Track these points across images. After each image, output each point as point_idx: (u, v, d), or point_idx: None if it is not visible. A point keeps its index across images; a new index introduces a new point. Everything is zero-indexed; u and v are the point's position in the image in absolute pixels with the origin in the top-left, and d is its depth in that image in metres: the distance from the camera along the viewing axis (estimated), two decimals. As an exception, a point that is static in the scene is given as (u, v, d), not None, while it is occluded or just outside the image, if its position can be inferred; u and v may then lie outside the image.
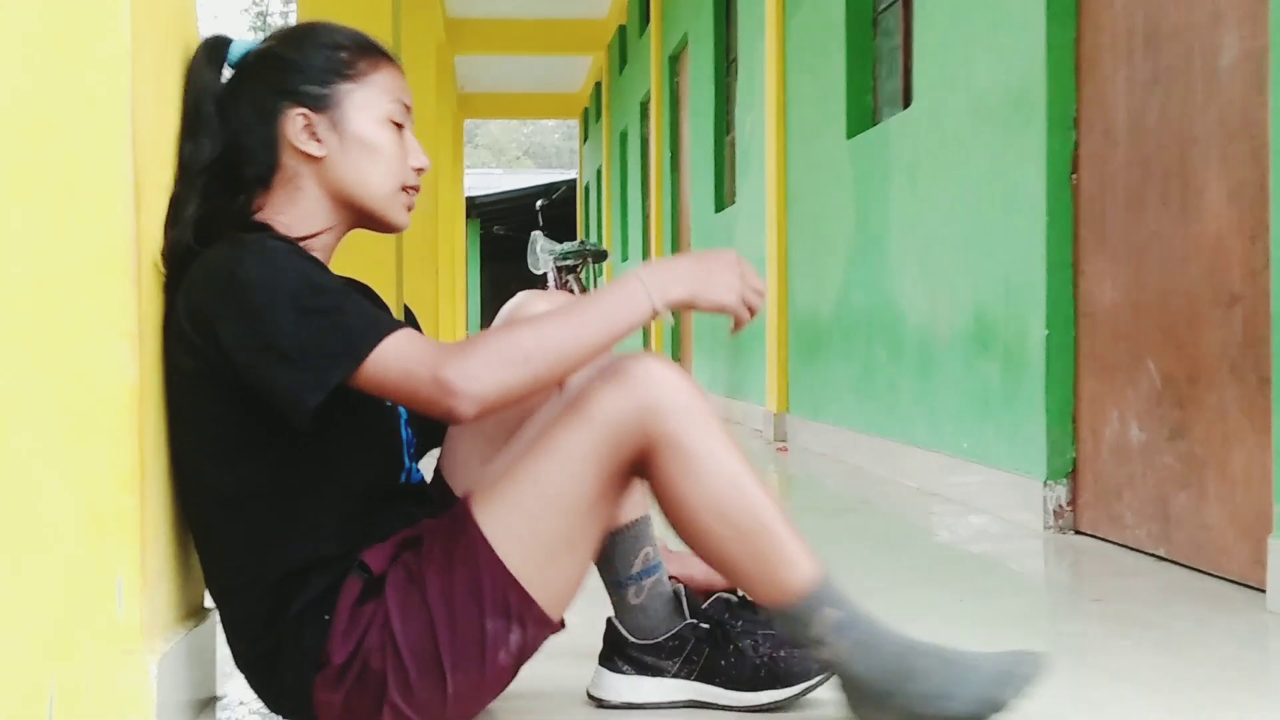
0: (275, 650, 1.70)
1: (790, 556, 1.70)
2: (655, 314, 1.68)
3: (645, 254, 13.42)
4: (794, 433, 6.68)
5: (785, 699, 1.88)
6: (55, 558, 1.58)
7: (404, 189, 1.83)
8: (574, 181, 24.10)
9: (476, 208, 24.65)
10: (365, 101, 1.80)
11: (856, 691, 1.71)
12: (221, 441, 1.70)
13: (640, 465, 1.71)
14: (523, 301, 1.89)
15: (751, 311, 1.73)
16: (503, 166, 43.00)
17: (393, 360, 1.61)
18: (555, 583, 1.71)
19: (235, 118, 1.79)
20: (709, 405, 1.71)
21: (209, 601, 1.85)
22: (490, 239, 27.43)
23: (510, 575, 1.68)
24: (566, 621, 1.81)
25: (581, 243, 12.16)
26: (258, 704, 1.88)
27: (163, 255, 1.74)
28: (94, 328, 1.60)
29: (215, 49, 1.84)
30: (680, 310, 1.71)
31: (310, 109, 1.78)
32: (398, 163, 1.81)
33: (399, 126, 1.83)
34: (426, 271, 10.03)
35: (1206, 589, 2.80)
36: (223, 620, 1.78)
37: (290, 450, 1.69)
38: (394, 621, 1.67)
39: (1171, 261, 3.09)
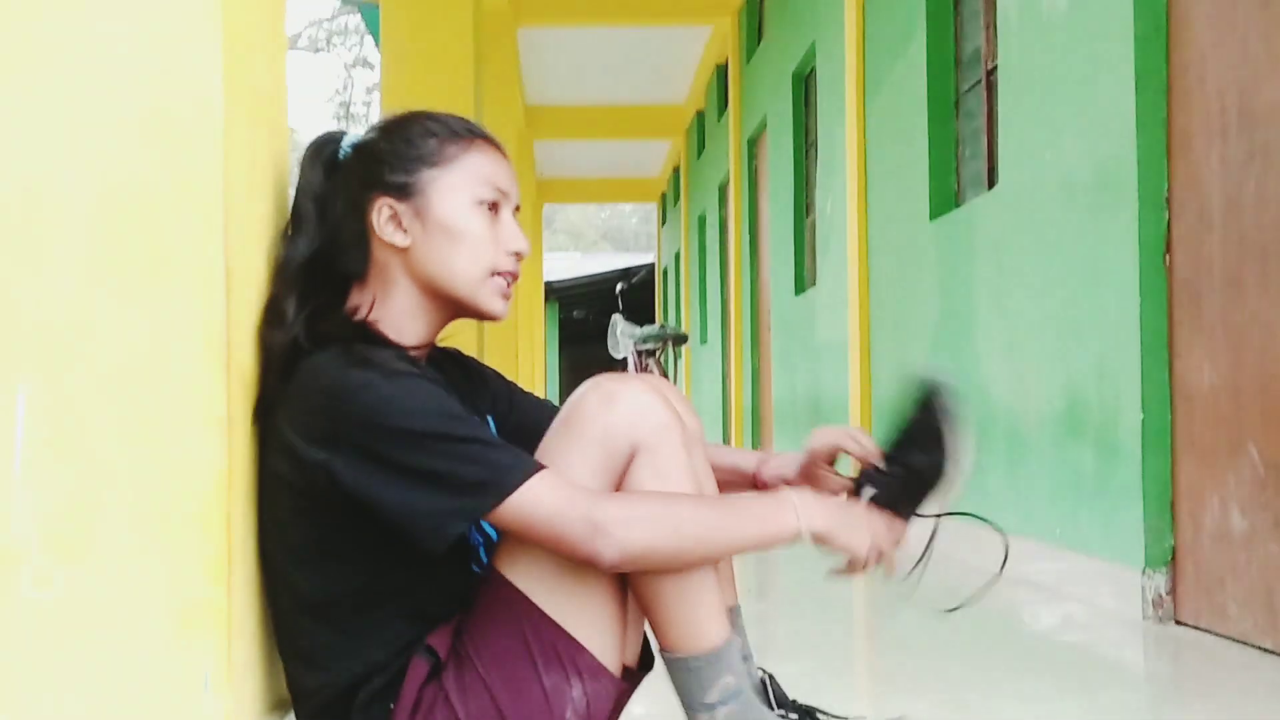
0: None
1: (716, 606, 1.71)
2: (798, 536, 1.69)
3: (724, 337, 13.39)
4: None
5: None
6: (141, 650, 1.56)
7: (496, 274, 1.80)
8: (652, 265, 24.19)
9: (555, 291, 24.79)
10: (451, 186, 1.77)
11: None
12: (311, 549, 1.68)
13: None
14: (594, 384, 1.82)
15: (866, 566, 1.75)
16: (581, 250, 43.31)
17: (546, 496, 1.61)
18: (597, 621, 1.67)
19: (333, 214, 1.79)
20: (684, 433, 1.74)
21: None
22: (569, 322, 27.56)
23: (551, 620, 1.65)
24: (630, 682, 1.77)
25: (662, 327, 12.18)
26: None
27: (265, 352, 1.73)
28: (183, 414, 1.59)
29: (322, 146, 1.84)
30: (816, 541, 1.74)
31: (395, 198, 1.76)
32: (485, 246, 1.78)
33: (494, 210, 1.80)
34: (507, 354, 10.08)
35: (1319, 684, 2.69)
36: (297, 718, 1.75)
37: (380, 562, 1.67)
38: (453, 699, 1.63)
39: (1273, 343, 3.01)
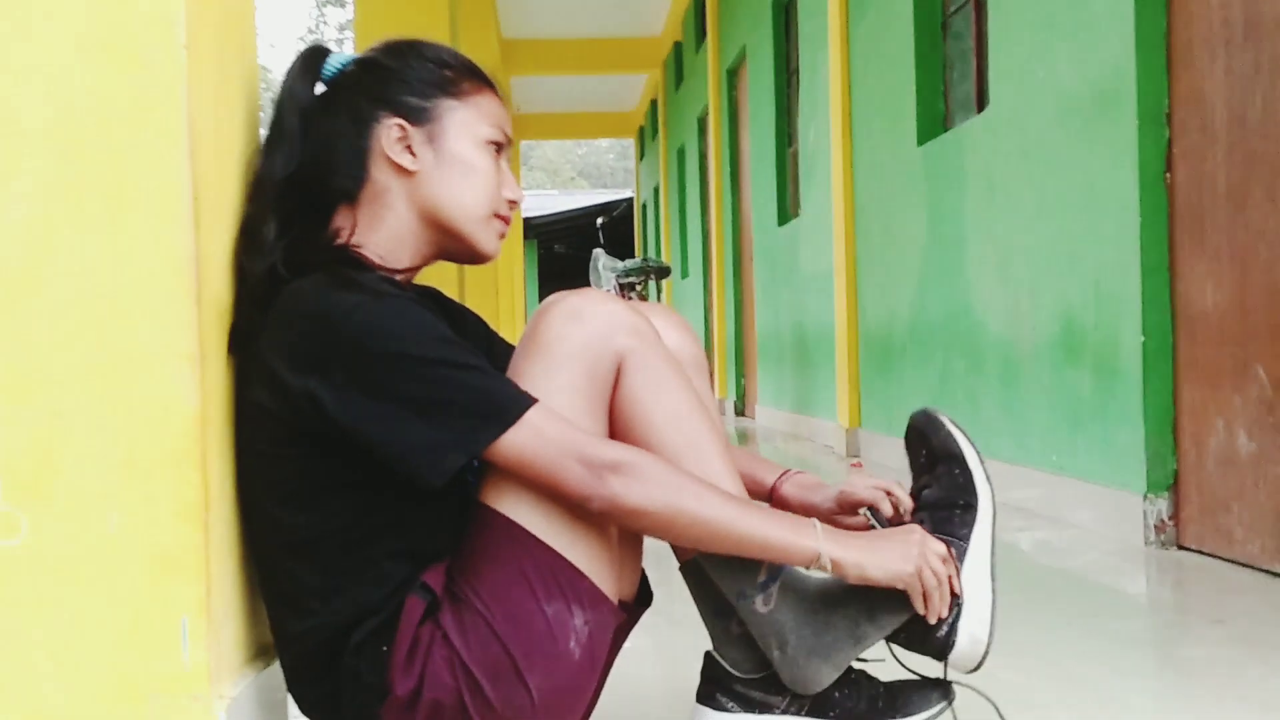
0: (337, 689, 1.59)
1: (734, 485, 1.68)
2: (816, 559, 1.59)
3: (705, 271, 13.30)
4: (867, 448, 6.52)
5: None
6: (115, 599, 1.47)
7: (496, 216, 1.74)
8: (631, 200, 24.05)
9: (534, 228, 24.65)
10: (466, 121, 1.71)
11: (785, 643, 1.65)
12: (295, 485, 1.59)
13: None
14: (555, 301, 1.72)
15: (928, 593, 1.62)
16: (558, 187, 43.08)
17: (547, 430, 1.54)
18: (594, 549, 1.60)
19: (327, 129, 1.69)
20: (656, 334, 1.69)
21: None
22: (549, 258, 27.43)
23: (549, 548, 1.57)
24: (638, 608, 1.72)
25: (644, 259, 12.06)
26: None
27: (240, 280, 1.64)
28: (152, 349, 1.49)
29: (311, 59, 1.74)
30: (843, 574, 1.62)
31: (408, 120, 1.68)
32: (493, 188, 1.72)
33: (497, 154, 1.74)
34: (487, 292, 9.98)
35: (1332, 608, 2.63)
36: (284, 665, 1.67)
37: (369, 497, 1.59)
38: (453, 638, 1.56)
39: (1281, 260, 2.92)
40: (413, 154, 1.68)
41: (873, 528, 1.73)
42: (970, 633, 1.65)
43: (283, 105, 1.72)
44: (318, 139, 1.69)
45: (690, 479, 1.58)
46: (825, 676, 1.68)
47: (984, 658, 1.66)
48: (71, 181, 1.49)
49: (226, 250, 1.66)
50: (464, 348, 1.57)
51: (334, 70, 1.74)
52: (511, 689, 1.56)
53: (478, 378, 1.55)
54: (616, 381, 1.64)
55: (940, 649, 1.66)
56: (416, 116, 1.69)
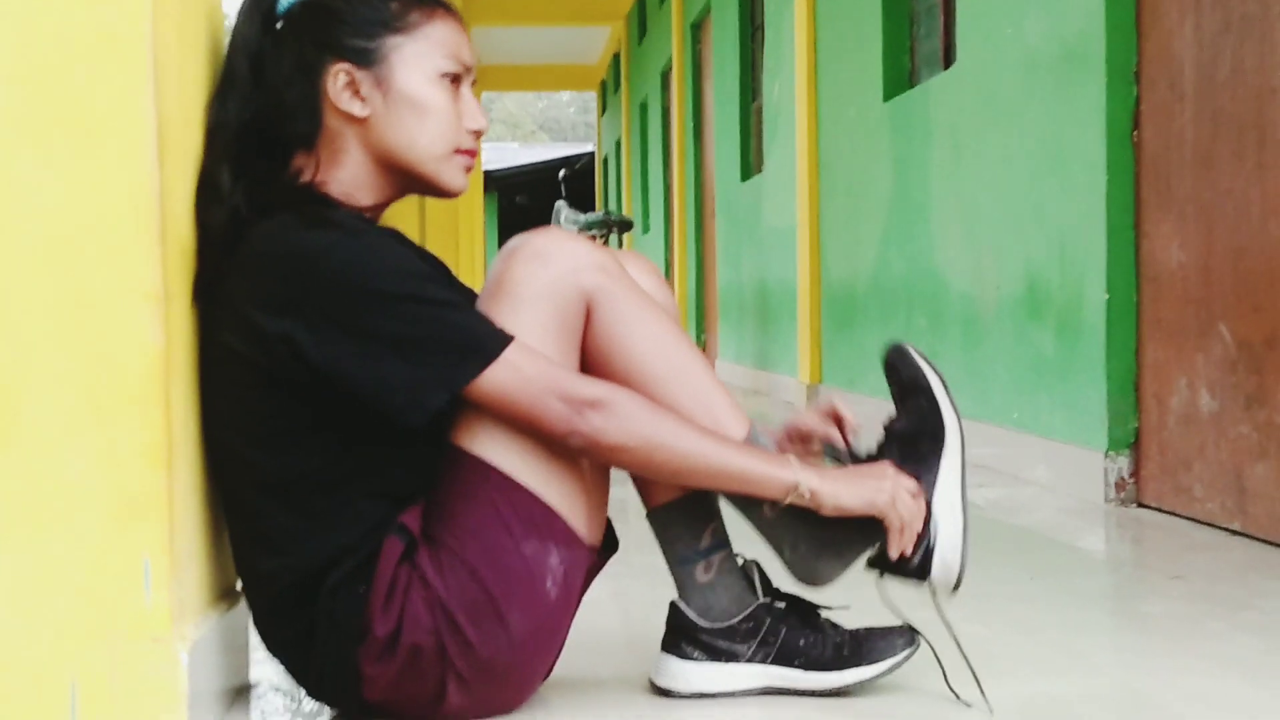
0: (310, 630, 1.58)
1: (727, 404, 1.68)
2: (794, 488, 1.60)
3: (668, 224, 13.26)
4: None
5: (871, 678, 1.73)
6: (77, 540, 1.45)
7: (457, 151, 1.69)
8: (592, 154, 23.94)
9: (495, 181, 24.49)
10: (415, 55, 1.65)
11: (796, 544, 1.66)
12: (266, 427, 1.57)
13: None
14: (519, 243, 1.70)
15: (905, 528, 1.63)
16: (518, 141, 42.82)
17: (527, 368, 1.54)
18: (566, 489, 1.60)
19: (276, 74, 1.64)
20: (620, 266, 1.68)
21: (239, 584, 1.72)
22: (510, 209, 27.28)
23: (524, 488, 1.57)
24: (604, 554, 1.73)
25: (606, 213, 12.03)
26: (293, 690, 1.76)
27: (201, 231, 1.61)
28: (114, 288, 1.47)
29: (260, 1, 1.68)
30: (819, 505, 1.63)
31: (354, 64, 1.64)
32: (450, 123, 1.67)
33: (455, 84, 1.68)
34: (447, 243, 9.90)
35: (1289, 565, 2.65)
36: (252, 606, 1.66)
37: (341, 438, 1.57)
38: (431, 580, 1.55)
39: (1248, 220, 2.93)
40: (362, 99, 1.64)
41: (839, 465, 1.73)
42: (943, 559, 1.66)
43: (234, 49, 1.67)
44: (269, 85, 1.64)
45: (669, 415, 1.58)
46: (835, 572, 1.69)
47: (958, 583, 1.67)
48: (34, 116, 1.46)
49: (191, 189, 1.63)
50: (441, 284, 1.55)
51: (284, 8, 1.68)
52: (491, 628, 1.55)
53: (457, 314, 1.53)
54: (589, 320, 1.63)
55: (917, 575, 1.67)
56: (362, 59, 1.63)
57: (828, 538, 1.66)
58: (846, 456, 1.74)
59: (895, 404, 1.74)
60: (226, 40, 1.71)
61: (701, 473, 1.60)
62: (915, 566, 1.66)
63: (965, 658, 1.75)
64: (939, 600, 1.71)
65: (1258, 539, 2.89)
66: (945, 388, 1.71)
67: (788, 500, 1.61)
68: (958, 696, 1.73)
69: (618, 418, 1.55)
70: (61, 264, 1.46)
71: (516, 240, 1.64)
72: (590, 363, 1.64)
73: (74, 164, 1.46)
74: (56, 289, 1.45)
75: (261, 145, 1.65)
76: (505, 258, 1.63)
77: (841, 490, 1.62)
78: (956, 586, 1.68)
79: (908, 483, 1.64)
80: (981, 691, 1.73)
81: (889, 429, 1.73)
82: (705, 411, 1.65)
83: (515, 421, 1.56)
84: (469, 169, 1.72)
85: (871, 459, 1.71)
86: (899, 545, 1.64)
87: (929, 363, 1.72)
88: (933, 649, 1.78)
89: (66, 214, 1.46)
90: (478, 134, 1.70)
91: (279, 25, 1.67)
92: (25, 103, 1.45)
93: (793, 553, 1.68)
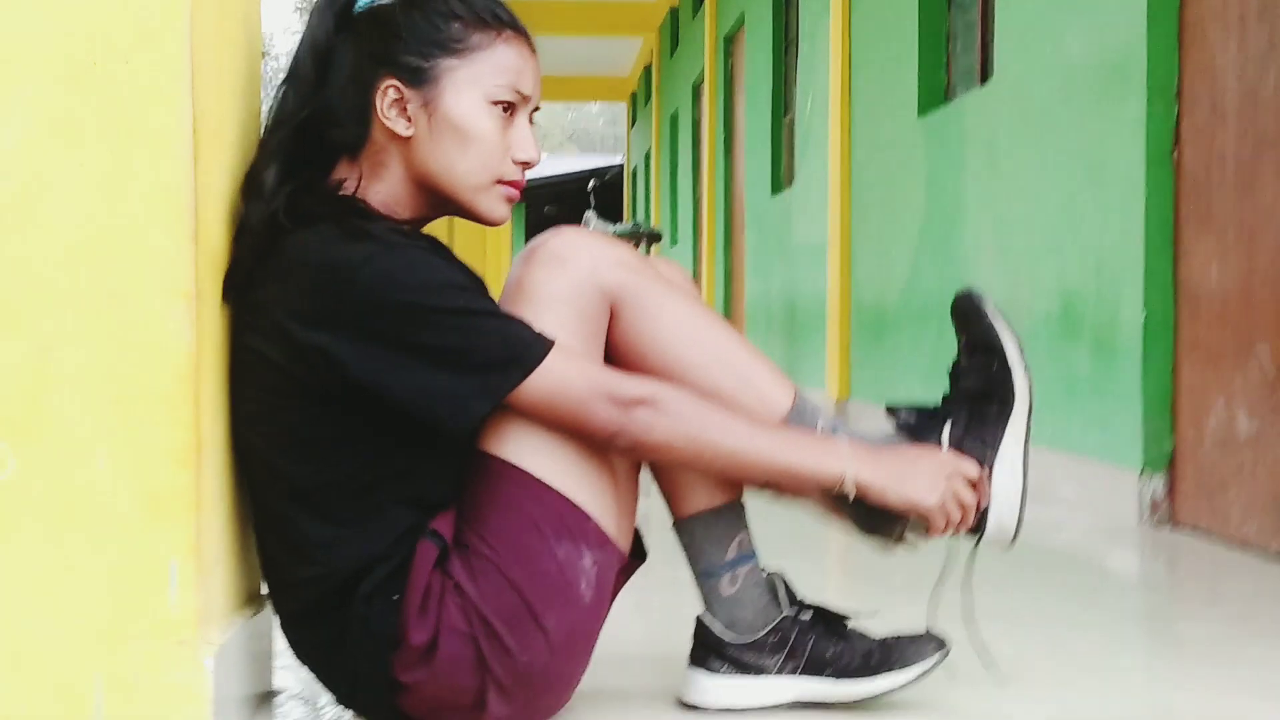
0: (341, 637, 1.56)
1: (769, 374, 1.66)
2: (841, 484, 1.58)
3: (696, 237, 13.25)
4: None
5: (902, 685, 1.70)
6: (103, 540, 1.44)
7: (500, 182, 1.64)
8: (621, 166, 23.95)
9: (525, 191, 24.54)
10: (469, 80, 1.60)
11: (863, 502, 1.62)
12: (298, 435, 1.55)
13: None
14: (535, 247, 1.66)
15: (948, 525, 1.61)
16: (547, 151, 42.90)
17: (570, 372, 1.52)
18: (597, 491, 1.58)
19: (337, 78, 1.61)
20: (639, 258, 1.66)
21: (265, 588, 1.70)
22: (539, 219, 27.32)
23: (554, 491, 1.55)
24: (632, 561, 1.70)
25: (635, 224, 12.02)
26: (319, 698, 1.74)
27: (239, 226, 1.59)
28: (146, 286, 1.45)
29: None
30: (866, 497, 1.61)
31: (404, 83, 1.59)
32: (494, 153, 1.62)
33: (509, 112, 1.63)
34: (476, 252, 9.90)
35: (1328, 591, 2.60)
36: (279, 612, 1.64)
37: (375, 446, 1.55)
38: (466, 587, 1.53)
39: (1290, 240, 2.88)
40: (408, 119, 1.60)
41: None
42: (999, 519, 1.66)
43: (304, 44, 1.64)
44: (328, 87, 1.62)
45: (716, 410, 1.57)
46: (893, 529, 1.67)
47: (1013, 542, 1.68)
48: (69, 112, 1.44)
49: (225, 189, 1.61)
50: (478, 293, 1.54)
51: (360, 8, 1.63)
52: (529, 634, 1.53)
53: (496, 323, 1.52)
54: (616, 317, 1.61)
55: (971, 531, 1.66)
56: (413, 78, 1.59)
57: (879, 515, 1.64)
58: (909, 415, 1.71)
59: (961, 353, 1.71)
60: (264, 40, 1.69)
61: (749, 468, 1.58)
62: (970, 526, 1.66)
63: (975, 627, 1.75)
64: (973, 558, 1.71)
65: (1295, 564, 2.84)
66: (1019, 349, 1.67)
67: (835, 493, 1.60)
68: (984, 657, 1.75)
69: (666, 415, 1.53)
70: (93, 261, 1.44)
71: (535, 242, 1.62)
72: (623, 359, 1.62)
73: (108, 161, 1.44)
74: (87, 286, 1.44)
75: (312, 148, 1.63)
76: (524, 261, 1.61)
77: (890, 488, 1.59)
78: (1010, 545, 1.68)
79: (969, 469, 1.62)
80: (990, 658, 1.74)
81: (957, 385, 1.70)
82: (748, 389, 1.63)
83: (560, 425, 1.54)
84: (511, 200, 1.67)
85: (935, 415, 1.68)
86: (939, 534, 1.63)
87: (1004, 320, 1.69)
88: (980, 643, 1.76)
89: (99, 211, 1.44)
90: (525, 165, 1.65)
91: (352, 26, 1.63)
92: (60, 99, 1.44)
93: (854, 509, 1.65)
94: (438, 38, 1.60)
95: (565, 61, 19.16)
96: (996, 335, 1.67)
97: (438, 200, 1.66)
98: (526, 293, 1.58)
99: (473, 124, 1.61)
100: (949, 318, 1.74)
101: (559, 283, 1.58)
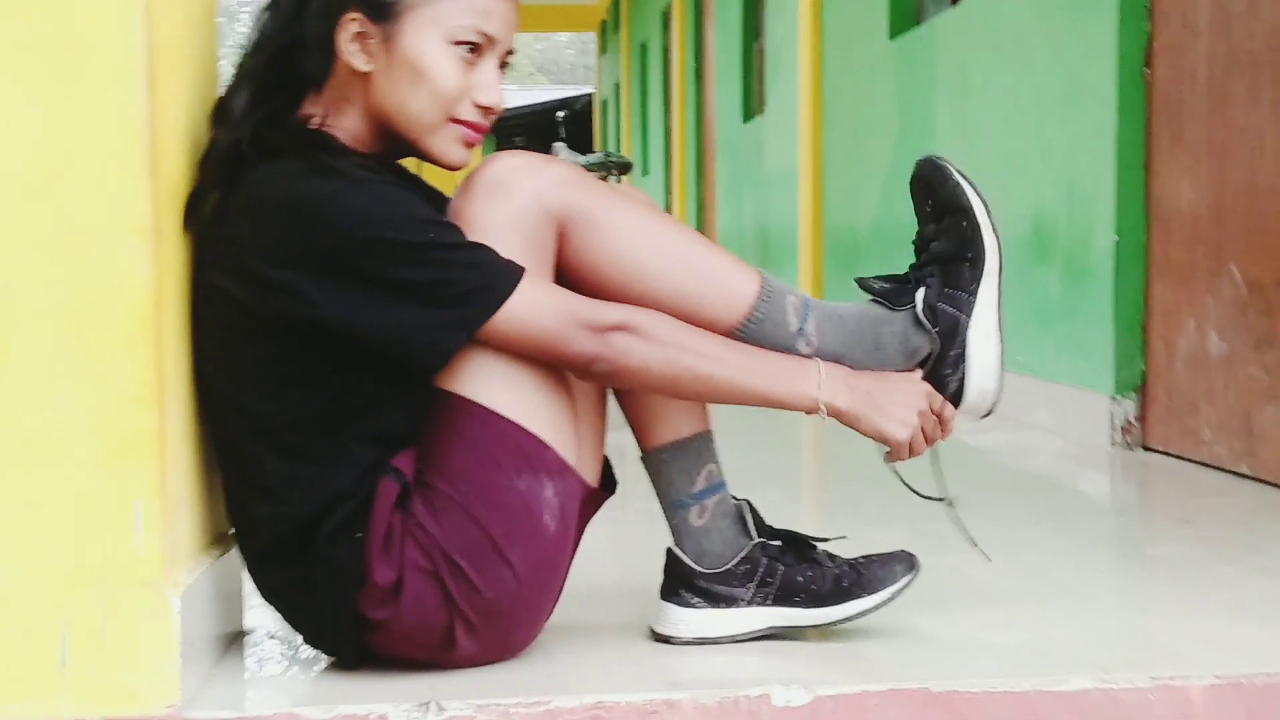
0: (306, 577, 1.55)
1: (731, 265, 1.63)
2: (815, 408, 1.59)
3: (667, 167, 13.18)
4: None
5: (874, 607, 1.70)
6: (66, 482, 1.42)
7: (455, 121, 1.61)
8: (591, 96, 23.78)
9: (493, 125, 24.40)
10: (432, 19, 1.57)
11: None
12: (261, 372, 1.53)
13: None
14: (474, 179, 1.61)
15: (913, 451, 1.64)
16: (516, 83, 42.52)
17: (543, 300, 1.51)
18: (554, 419, 1.56)
19: (311, 9, 1.59)
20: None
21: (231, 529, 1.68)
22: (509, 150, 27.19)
23: (510, 422, 1.54)
24: (603, 492, 1.70)
25: (605, 154, 11.94)
26: (289, 636, 1.73)
27: (208, 152, 1.57)
28: (102, 223, 1.42)
29: None
30: (837, 419, 1.62)
31: (367, 17, 1.57)
32: (448, 92, 1.59)
33: (475, 52, 1.60)
34: (446, 187, 9.84)
35: (1299, 509, 2.62)
36: (244, 553, 1.63)
37: (338, 383, 1.54)
38: (428, 525, 1.52)
39: (1262, 159, 2.87)
40: (368, 54, 1.58)
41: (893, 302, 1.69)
42: (979, 386, 1.67)
43: None
44: (305, 18, 1.59)
45: (693, 333, 1.56)
46: None
47: (993, 407, 1.69)
48: (16, 41, 1.40)
49: (185, 121, 1.58)
50: (447, 226, 1.52)
51: None
52: (495, 569, 1.52)
53: (465, 254, 1.50)
54: (568, 238, 1.58)
55: (952, 399, 1.68)
56: (376, 13, 1.57)
57: (873, 361, 1.67)
58: (882, 284, 1.70)
59: (925, 219, 1.70)
60: None
61: (724, 392, 1.58)
62: (950, 395, 1.67)
63: (956, 514, 1.78)
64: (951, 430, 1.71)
65: (1266, 482, 2.85)
66: (986, 208, 1.67)
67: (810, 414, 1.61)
68: (974, 544, 1.78)
69: (642, 340, 1.52)
70: (47, 196, 1.41)
71: (475, 171, 1.59)
72: (581, 279, 1.59)
73: (59, 91, 1.41)
74: (41, 222, 1.41)
75: (284, 78, 1.60)
76: (463, 191, 1.58)
77: (863, 418, 1.60)
78: (989, 413, 1.69)
79: (939, 403, 1.64)
80: (975, 543, 1.78)
81: (927, 249, 1.69)
82: (710, 284, 1.61)
83: (533, 353, 1.53)
84: (469, 143, 1.64)
85: (907, 281, 1.68)
86: (902, 459, 1.66)
87: (968, 180, 1.68)
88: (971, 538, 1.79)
89: (52, 144, 1.41)
90: (487, 110, 1.62)
91: None
92: (6, 26, 1.40)
93: None
94: None
95: (534, -9, 18.97)
96: (964, 193, 1.66)
97: (394, 139, 1.63)
98: (469, 224, 1.55)
99: (429, 63, 1.58)
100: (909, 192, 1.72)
101: (502, 211, 1.55)
